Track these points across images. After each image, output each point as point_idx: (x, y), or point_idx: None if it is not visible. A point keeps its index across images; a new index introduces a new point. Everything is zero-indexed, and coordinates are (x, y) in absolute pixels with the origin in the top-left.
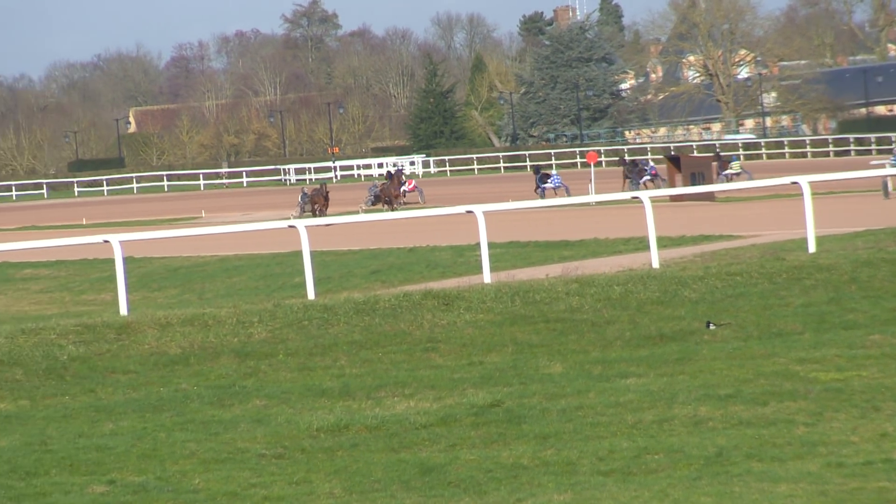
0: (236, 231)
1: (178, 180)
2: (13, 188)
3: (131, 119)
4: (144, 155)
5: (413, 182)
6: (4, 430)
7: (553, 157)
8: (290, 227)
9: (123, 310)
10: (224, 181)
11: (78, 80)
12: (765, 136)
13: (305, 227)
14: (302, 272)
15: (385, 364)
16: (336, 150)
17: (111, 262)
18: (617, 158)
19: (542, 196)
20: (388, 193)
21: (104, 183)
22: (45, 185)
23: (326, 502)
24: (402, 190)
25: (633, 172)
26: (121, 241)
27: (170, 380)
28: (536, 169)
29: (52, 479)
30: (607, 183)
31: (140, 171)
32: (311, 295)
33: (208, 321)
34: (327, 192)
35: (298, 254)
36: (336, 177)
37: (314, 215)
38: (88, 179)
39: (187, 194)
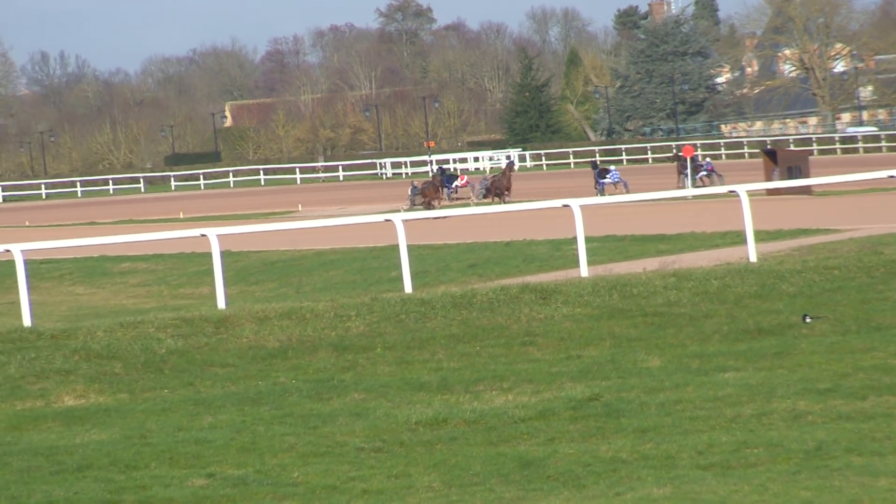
0: (333, 225)
1: (275, 174)
2: (110, 182)
3: (227, 113)
4: (240, 149)
5: (465, 178)
6: (104, 423)
7: (649, 151)
8: (387, 220)
9: (221, 303)
10: (320, 175)
11: (174, 75)
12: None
13: (402, 220)
14: (399, 266)
15: (483, 358)
16: (432, 144)
17: (208, 255)
18: (670, 154)
19: (602, 192)
20: (499, 186)
21: (200, 177)
22: (141, 180)
23: (425, 496)
24: (454, 185)
25: (690, 168)
26: (218, 235)
27: (268, 373)
28: (594, 164)
29: (151, 472)
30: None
31: (236, 166)
32: (408, 289)
33: (306, 315)
34: (439, 185)
35: (395, 247)
36: (432, 170)
37: (425, 208)
38: (185, 173)
39: (283, 188)
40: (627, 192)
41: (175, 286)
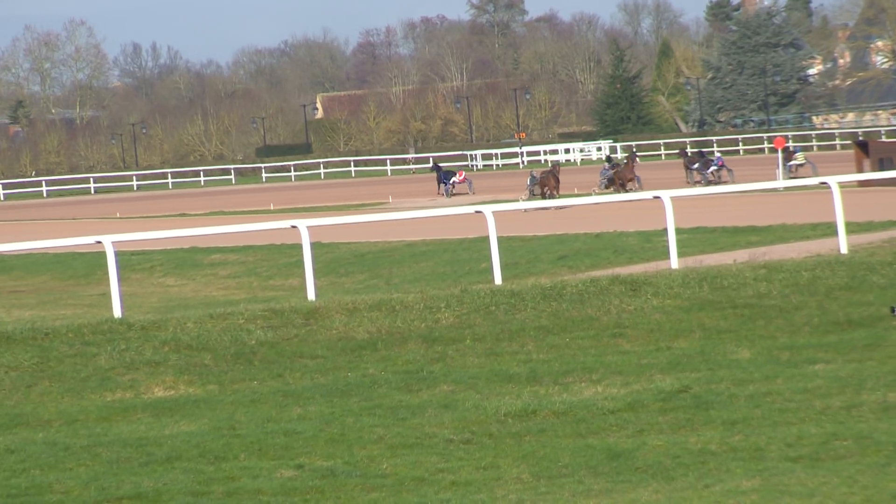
0: (423, 216)
1: (365, 166)
2: (201, 174)
3: (318, 105)
4: (331, 140)
5: (463, 174)
6: (193, 414)
7: (740, 143)
8: (477, 212)
9: (311, 295)
10: (411, 167)
11: (265, 66)
12: None
13: (492, 212)
14: (489, 257)
15: (572, 349)
16: (523, 135)
17: (298, 247)
18: (677, 151)
19: (705, 180)
20: (622, 177)
21: (291, 168)
22: (232, 171)
23: (514, 487)
24: (451, 181)
25: (700, 163)
26: (308, 227)
27: (357, 365)
28: (684, 153)
29: (240, 463)
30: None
31: (327, 157)
32: (497, 280)
33: (396, 306)
34: (558, 175)
35: (485, 239)
36: (523, 162)
37: (543, 198)
38: (276, 165)
39: (374, 180)
40: (732, 179)
41: (265, 277)
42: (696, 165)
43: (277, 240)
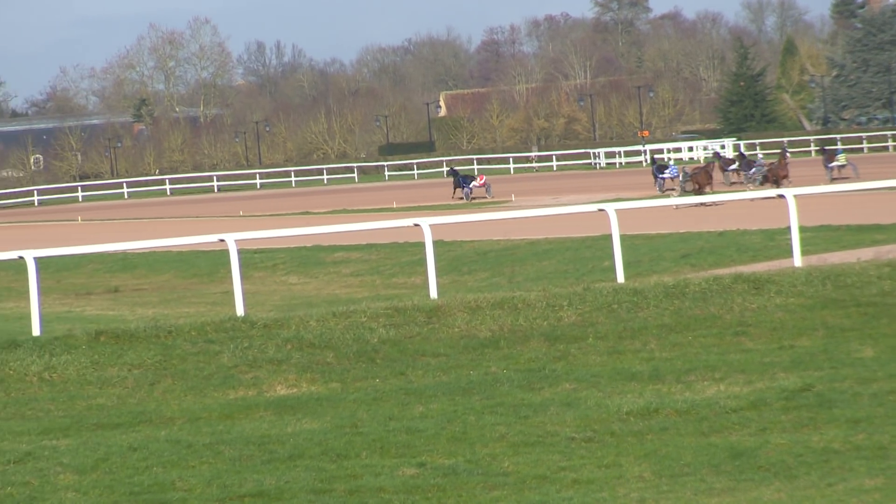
0: (546, 214)
1: (488, 164)
2: (324, 172)
3: (441, 103)
4: (454, 139)
5: (483, 177)
6: (316, 412)
7: (864, 141)
8: (600, 210)
9: (433, 293)
10: (534, 165)
11: (389, 64)
12: None
13: (615, 210)
14: (611, 255)
15: (695, 348)
16: (646, 133)
17: (421, 245)
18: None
19: (662, 187)
20: (775, 174)
21: (414, 167)
22: (355, 169)
23: (636, 486)
24: (471, 185)
25: (742, 164)
26: (430, 225)
27: (479, 363)
28: (652, 160)
29: (362, 461)
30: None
31: (450, 155)
32: (620, 278)
33: (518, 304)
34: (712, 171)
35: (608, 237)
36: (646, 160)
37: (695, 194)
38: (399, 163)
39: (497, 178)
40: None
41: (388, 276)
42: (732, 167)
43: (400, 238)
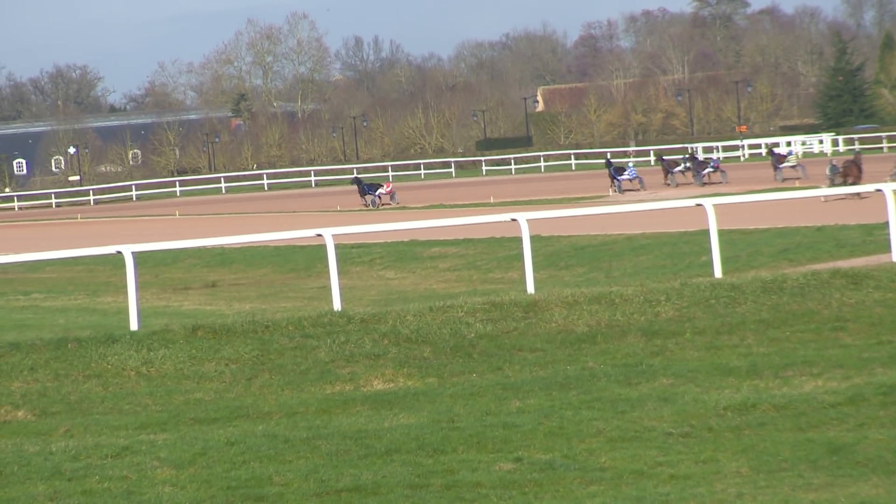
0: (643, 210)
1: (585, 159)
2: (422, 167)
3: (539, 98)
4: (552, 133)
5: (390, 185)
6: (413, 407)
7: None
8: (698, 205)
9: (530, 288)
10: (631, 160)
11: (486, 60)
12: None
13: (713, 205)
14: (709, 251)
15: (793, 343)
16: (744, 128)
17: (518, 240)
18: (656, 157)
19: (619, 189)
20: (847, 172)
21: (511, 161)
22: (452, 164)
23: (733, 481)
24: (377, 192)
25: (694, 165)
26: (528, 220)
27: (577, 358)
28: (608, 163)
29: (459, 456)
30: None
31: (547, 150)
32: (717, 273)
33: (615, 299)
34: (861, 164)
35: (705, 232)
36: (744, 155)
37: (844, 185)
38: (496, 158)
39: (594, 173)
40: (643, 187)
41: (484, 270)
42: (677, 169)
43: (497, 233)
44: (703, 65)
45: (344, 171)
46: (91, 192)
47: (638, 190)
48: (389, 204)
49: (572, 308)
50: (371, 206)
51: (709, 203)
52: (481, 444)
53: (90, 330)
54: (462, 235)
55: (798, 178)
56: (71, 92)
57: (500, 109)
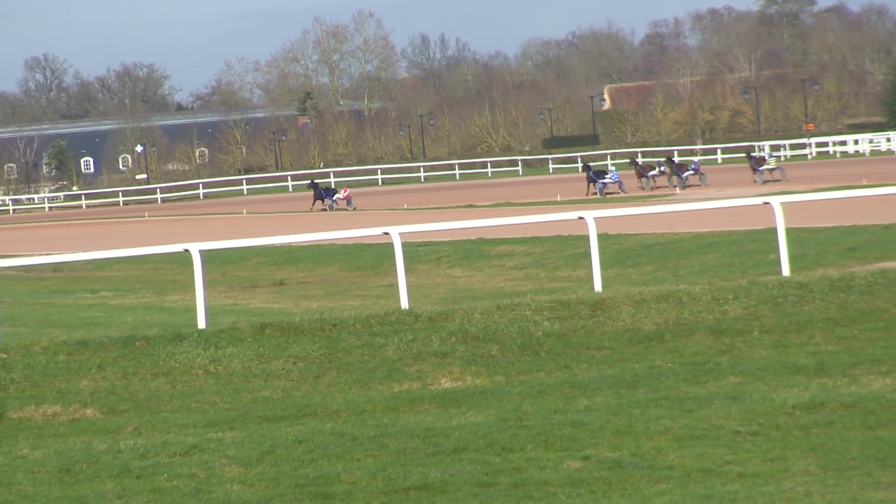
0: (710, 208)
1: (652, 157)
2: (488, 165)
3: (606, 96)
4: (618, 132)
5: (347, 190)
6: (481, 405)
7: None
8: (765, 203)
9: (597, 286)
10: (697, 158)
11: (552, 58)
12: None
13: (780, 203)
14: (776, 249)
15: (861, 341)
16: (811, 126)
17: (585, 238)
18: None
19: (602, 192)
20: None
21: (578, 160)
22: (519, 162)
23: (802, 479)
24: (335, 198)
25: (674, 167)
26: (595, 218)
27: (644, 356)
28: (587, 167)
29: (527, 454)
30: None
31: (614, 148)
32: (785, 272)
33: (683, 298)
34: None
35: (772, 230)
36: (811, 153)
37: None
38: (563, 156)
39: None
40: (623, 191)
41: (552, 269)
42: (652, 173)
43: (564, 231)
44: (770, 63)
45: (411, 170)
46: (158, 190)
47: (618, 193)
48: (346, 209)
49: (640, 306)
50: (328, 210)
51: (776, 201)
52: (549, 443)
53: (158, 328)
54: (529, 234)
55: (778, 181)
56: (138, 90)
57: (566, 107)
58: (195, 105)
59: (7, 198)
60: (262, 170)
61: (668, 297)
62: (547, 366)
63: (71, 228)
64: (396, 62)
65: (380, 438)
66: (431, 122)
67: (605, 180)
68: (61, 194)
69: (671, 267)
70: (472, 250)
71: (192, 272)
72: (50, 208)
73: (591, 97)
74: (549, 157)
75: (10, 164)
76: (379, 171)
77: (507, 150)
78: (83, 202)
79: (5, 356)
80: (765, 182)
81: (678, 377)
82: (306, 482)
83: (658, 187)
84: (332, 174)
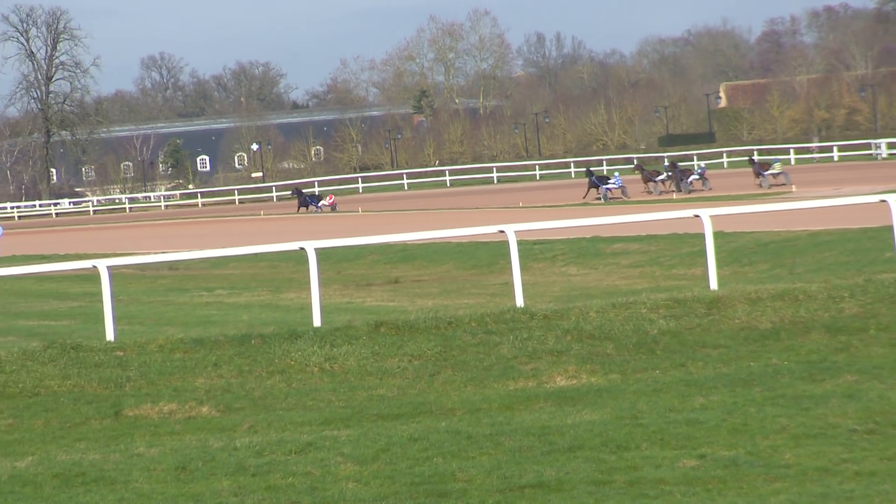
0: (826, 206)
1: (768, 155)
2: (604, 163)
3: (721, 94)
4: (734, 129)
5: (332, 197)
6: (596, 403)
7: None
8: (882, 200)
9: (713, 284)
10: (814, 156)
11: (669, 56)
12: None
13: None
14: (893, 247)
15: None
16: None
17: (701, 236)
18: (633, 165)
19: (606, 198)
20: None
21: (694, 157)
22: (635, 160)
23: None
24: (319, 204)
25: (678, 172)
26: (710, 216)
27: (760, 354)
28: (589, 172)
29: (642, 452)
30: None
31: (729, 146)
32: None
33: (798, 296)
34: None
35: (889, 228)
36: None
37: None
38: (678, 154)
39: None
40: (626, 196)
41: (667, 267)
42: (659, 178)
43: (680, 229)
44: (887, 60)
45: (526, 168)
46: (274, 188)
47: (621, 198)
48: (331, 213)
49: (756, 304)
50: (317, 212)
51: (893, 199)
52: (664, 441)
53: (273, 326)
54: (644, 232)
55: (783, 185)
56: (254, 89)
57: (682, 105)
58: (311, 103)
59: (123, 196)
60: (377, 168)
61: (783, 295)
62: (662, 364)
63: (187, 227)
64: (512, 60)
65: (495, 436)
66: (547, 121)
67: (608, 185)
68: (177, 192)
69: (787, 265)
70: (587, 248)
71: (307, 270)
72: (166, 206)
73: (707, 95)
74: (665, 155)
75: (127, 163)
76: (494, 169)
77: (622, 147)
78: (199, 200)
79: (122, 354)
80: (770, 186)
81: (794, 375)
82: (421, 480)
83: (664, 192)
84: (447, 172)
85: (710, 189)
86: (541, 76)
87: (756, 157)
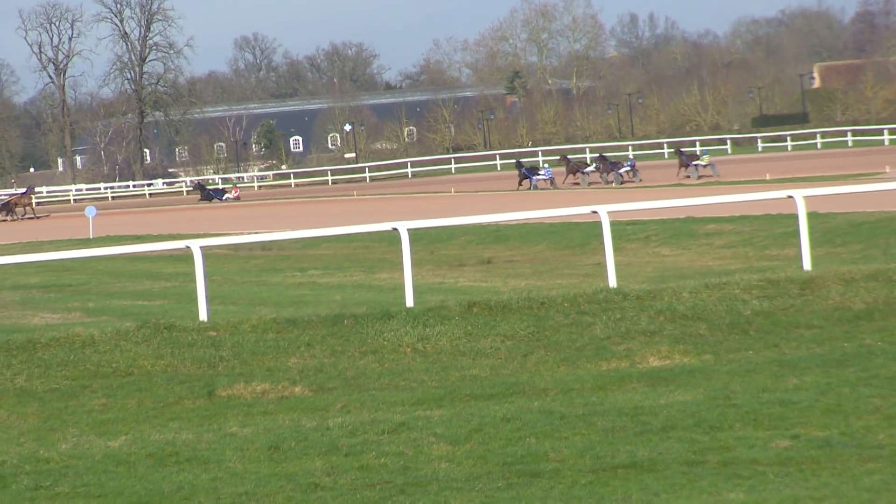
0: None
1: (862, 135)
2: (697, 143)
3: (815, 74)
4: (828, 110)
5: (238, 190)
6: (689, 384)
7: None
8: None
9: (806, 265)
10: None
11: (762, 36)
12: None
13: None
14: None
15: None
16: None
17: (794, 217)
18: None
19: (535, 187)
20: None
21: (787, 139)
22: (728, 141)
23: None
24: (225, 197)
25: (608, 164)
26: (804, 196)
27: (854, 335)
28: (519, 164)
29: (735, 433)
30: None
31: (823, 127)
32: None
33: (892, 276)
34: None
35: None
36: None
37: None
38: (771, 135)
39: (870, 150)
40: (554, 186)
41: (761, 247)
42: (588, 169)
43: (773, 210)
44: None
45: (620, 149)
46: (367, 169)
47: (549, 189)
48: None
49: (849, 285)
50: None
51: None
52: (758, 421)
53: (366, 306)
54: (738, 212)
55: (711, 177)
56: (347, 69)
57: (776, 86)
58: (403, 84)
59: (217, 176)
60: (469, 149)
61: (877, 275)
62: (755, 344)
63: (281, 207)
64: (605, 41)
65: (588, 417)
66: (640, 101)
67: (538, 176)
68: (270, 173)
69: (881, 245)
70: (680, 229)
71: (400, 251)
72: (259, 187)
73: (801, 76)
74: (758, 135)
75: (220, 143)
76: (587, 149)
77: (715, 128)
78: (292, 181)
79: (215, 334)
80: (699, 177)
81: (888, 356)
82: (514, 460)
83: (592, 183)
84: (539, 153)
85: (641, 180)
86: (634, 57)
87: (684, 149)
